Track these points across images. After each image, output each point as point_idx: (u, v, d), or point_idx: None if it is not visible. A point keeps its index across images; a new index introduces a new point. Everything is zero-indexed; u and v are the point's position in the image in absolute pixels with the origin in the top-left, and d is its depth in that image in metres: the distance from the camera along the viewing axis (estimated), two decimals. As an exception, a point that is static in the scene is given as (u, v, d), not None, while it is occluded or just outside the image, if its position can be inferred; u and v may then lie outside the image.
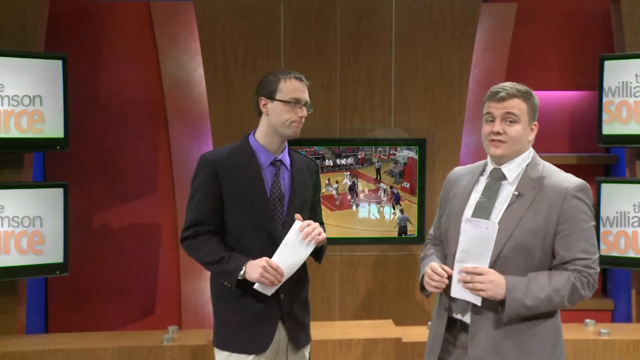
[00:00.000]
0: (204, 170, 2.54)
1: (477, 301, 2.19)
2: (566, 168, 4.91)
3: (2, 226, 3.98)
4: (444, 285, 2.25)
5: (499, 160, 2.29)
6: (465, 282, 2.18)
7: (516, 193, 2.23)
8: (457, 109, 4.43)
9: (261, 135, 2.59)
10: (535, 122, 2.31)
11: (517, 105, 2.25)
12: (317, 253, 2.62)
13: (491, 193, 2.27)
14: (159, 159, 4.69)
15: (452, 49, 4.42)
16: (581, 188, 2.23)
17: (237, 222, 2.52)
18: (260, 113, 2.59)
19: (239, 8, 4.34)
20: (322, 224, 2.71)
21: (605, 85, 4.31)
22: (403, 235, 4.42)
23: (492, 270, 2.17)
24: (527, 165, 2.29)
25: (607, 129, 4.34)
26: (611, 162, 4.83)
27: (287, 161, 2.61)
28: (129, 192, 4.69)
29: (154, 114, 4.67)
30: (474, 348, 2.20)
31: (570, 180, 2.25)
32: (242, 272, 2.45)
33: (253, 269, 2.44)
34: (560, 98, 4.92)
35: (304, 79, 2.57)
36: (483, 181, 2.33)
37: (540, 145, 4.80)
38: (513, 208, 2.21)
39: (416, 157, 4.39)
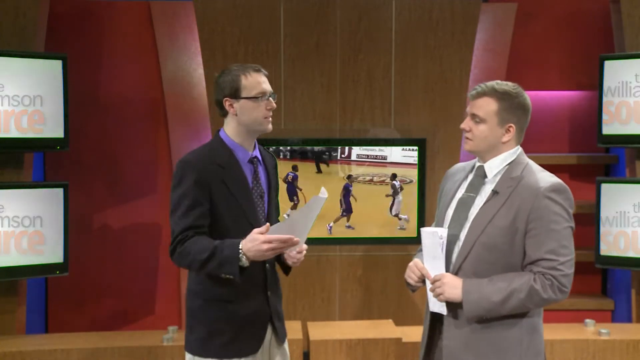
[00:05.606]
0: (190, 174, 2.41)
1: (443, 311, 2.28)
2: (566, 168, 4.96)
3: (2, 226, 3.99)
4: (420, 281, 2.34)
5: (480, 156, 2.33)
6: (431, 290, 2.28)
7: (494, 191, 2.25)
8: (457, 109, 4.42)
9: (232, 134, 2.51)
10: (511, 125, 2.26)
11: (484, 105, 2.27)
12: (289, 267, 2.60)
13: (473, 189, 2.30)
14: (159, 159, 4.69)
15: (452, 49, 4.42)
16: (555, 188, 2.19)
17: (225, 224, 2.44)
18: (224, 114, 2.51)
19: (239, 8, 4.34)
20: (278, 214, 2.71)
21: (605, 85, 4.31)
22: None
23: (448, 274, 2.23)
24: (510, 164, 2.28)
25: (607, 129, 4.33)
26: (611, 162, 4.84)
27: (260, 157, 2.58)
28: (129, 192, 4.69)
29: (154, 114, 4.67)
30: (448, 339, 2.26)
31: (546, 180, 2.21)
32: (241, 256, 2.29)
33: (254, 252, 2.28)
34: (560, 98, 4.91)
35: (262, 69, 2.50)
36: (470, 178, 2.37)
37: (541, 145, 4.89)
38: (488, 205, 2.23)
39: (416, 157, 4.39)
